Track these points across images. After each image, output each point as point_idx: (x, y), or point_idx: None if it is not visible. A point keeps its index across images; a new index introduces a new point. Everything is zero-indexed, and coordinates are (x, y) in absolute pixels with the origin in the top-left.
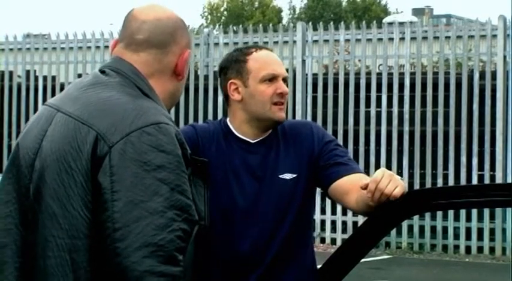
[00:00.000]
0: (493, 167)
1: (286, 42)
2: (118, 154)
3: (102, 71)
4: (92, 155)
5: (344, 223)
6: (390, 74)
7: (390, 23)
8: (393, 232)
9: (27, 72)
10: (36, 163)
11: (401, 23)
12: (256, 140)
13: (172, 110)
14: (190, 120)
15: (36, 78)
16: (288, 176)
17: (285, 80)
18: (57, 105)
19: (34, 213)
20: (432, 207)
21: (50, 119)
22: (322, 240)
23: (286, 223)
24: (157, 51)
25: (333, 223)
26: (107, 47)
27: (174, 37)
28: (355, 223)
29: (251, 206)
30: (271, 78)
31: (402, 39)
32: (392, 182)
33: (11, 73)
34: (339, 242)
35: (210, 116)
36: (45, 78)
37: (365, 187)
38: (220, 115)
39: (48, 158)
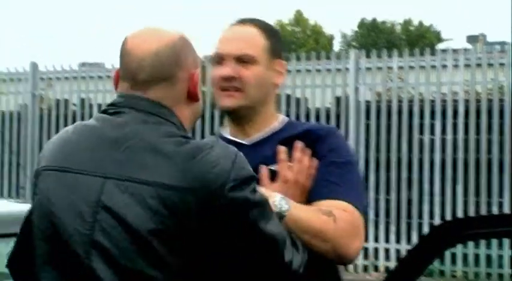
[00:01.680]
0: None
1: (339, 69)
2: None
3: (116, 112)
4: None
5: (398, 251)
6: (444, 102)
7: (444, 50)
8: (448, 260)
9: (82, 100)
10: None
11: (455, 50)
12: (253, 142)
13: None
14: None
15: (90, 106)
16: None
17: (242, 60)
18: (94, 171)
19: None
20: (473, 236)
21: (96, 189)
22: (376, 268)
23: None
24: (165, 84)
25: (387, 251)
26: None
27: (179, 63)
28: None
29: None
30: (219, 60)
31: (456, 66)
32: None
33: (66, 101)
34: None
35: None
36: (99, 106)
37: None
38: None
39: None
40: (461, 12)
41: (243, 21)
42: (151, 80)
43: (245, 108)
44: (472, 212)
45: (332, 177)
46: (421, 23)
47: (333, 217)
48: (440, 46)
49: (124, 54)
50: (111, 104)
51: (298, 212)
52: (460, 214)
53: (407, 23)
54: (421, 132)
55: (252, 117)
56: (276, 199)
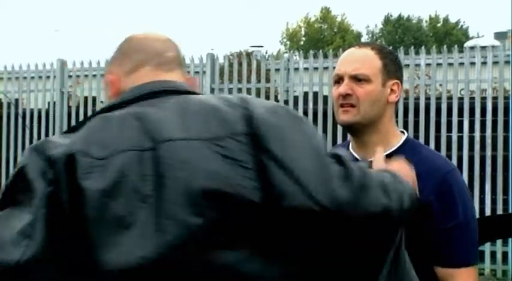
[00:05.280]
0: None
1: None
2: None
3: (157, 97)
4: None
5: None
6: (472, 99)
7: (472, 47)
8: None
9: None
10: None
11: (483, 47)
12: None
13: None
14: None
15: None
16: None
17: (357, 78)
18: (134, 146)
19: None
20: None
21: (144, 161)
22: None
23: None
24: (183, 72)
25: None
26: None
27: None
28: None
29: None
30: (338, 80)
31: (484, 63)
32: None
33: (94, 99)
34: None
35: None
36: None
37: None
38: None
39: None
40: (488, 8)
41: (360, 45)
42: (176, 61)
43: (359, 123)
44: (500, 210)
45: (450, 245)
46: (446, 19)
47: None
48: (468, 43)
49: (136, 45)
50: (146, 94)
51: None
52: (488, 211)
53: (433, 19)
54: (449, 129)
55: (370, 135)
56: None
